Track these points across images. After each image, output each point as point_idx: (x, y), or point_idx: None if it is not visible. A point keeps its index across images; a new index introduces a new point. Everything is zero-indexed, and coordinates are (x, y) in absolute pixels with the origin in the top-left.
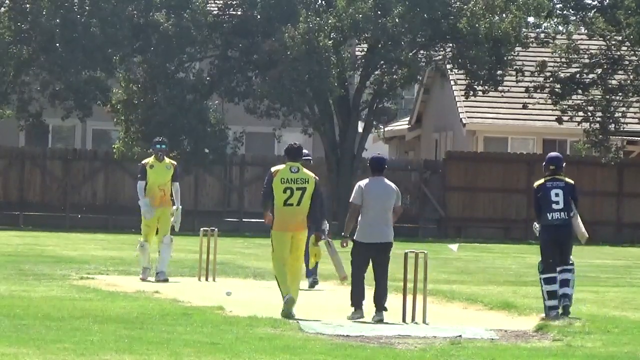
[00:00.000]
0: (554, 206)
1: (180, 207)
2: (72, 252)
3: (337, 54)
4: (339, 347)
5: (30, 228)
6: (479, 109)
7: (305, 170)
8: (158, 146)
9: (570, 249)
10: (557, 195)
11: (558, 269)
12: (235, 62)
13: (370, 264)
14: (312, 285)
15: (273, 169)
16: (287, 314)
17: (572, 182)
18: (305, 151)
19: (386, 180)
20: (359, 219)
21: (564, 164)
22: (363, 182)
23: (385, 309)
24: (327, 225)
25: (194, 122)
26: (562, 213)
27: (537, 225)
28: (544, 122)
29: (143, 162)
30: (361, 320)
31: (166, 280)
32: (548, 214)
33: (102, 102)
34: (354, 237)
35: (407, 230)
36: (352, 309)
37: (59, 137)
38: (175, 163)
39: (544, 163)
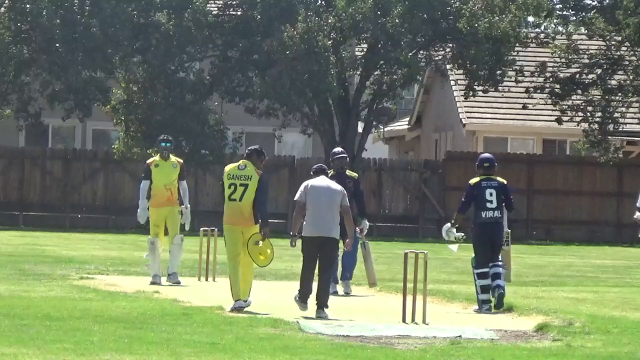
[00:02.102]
0: (488, 205)
1: (189, 206)
2: (72, 252)
3: (336, 54)
4: (339, 347)
5: (30, 228)
6: (478, 109)
7: (251, 167)
8: (163, 144)
9: (500, 246)
10: (491, 194)
11: (489, 264)
12: (235, 62)
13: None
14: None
15: (227, 168)
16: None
17: (504, 181)
18: (339, 149)
19: (330, 181)
20: (306, 216)
21: (496, 164)
22: (308, 181)
23: (327, 306)
24: (367, 224)
25: (193, 122)
26: (495, 212)
27: (449, 226)
28: (543, 122)
29: (148, 161)
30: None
31: (178, 283)
32: (482, 212)
33: (102, 103)
34: (302, 234)
35: (407, 230)
36: (300, 302)
37: (58, 137)
38: (182, 161)
39: (476, 163)
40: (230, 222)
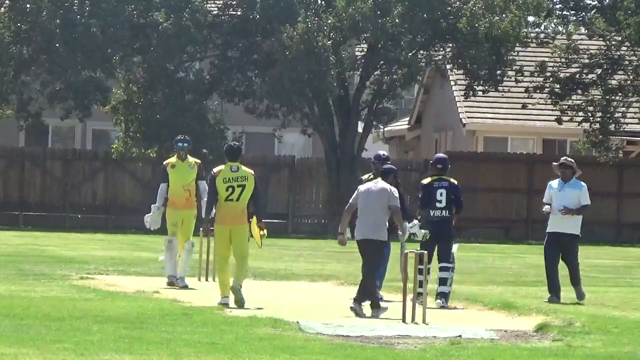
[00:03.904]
0: (437, 204)
1: None
2: (72, 252)
3: (336, 54)
4: (339, 347)
5: (30, 228)
6: (478, 109)
7: (244, 168)
8: (180, 144)
9: (449, 245)
10: (441, 194)
11: (438, 265)
12: (235, 62)
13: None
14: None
15: (215, 170)
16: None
17: (455, 182)
18: (384, 153)
19: (382, 182)
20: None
21: (449, 165)
22: (361, 185)
23: (374, 304)
24: (409, 226)
25: (194, 122)
26: (443, 211)
27: (416, 222)
28: (543, 122)
29: (164, 162)
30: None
31: (186, 287)
32: (430, 211)
33: (102, 103)
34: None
35: None
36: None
37: (58, 137)
38: (200, 161)
39: (431, 162)
40: (222, 222)
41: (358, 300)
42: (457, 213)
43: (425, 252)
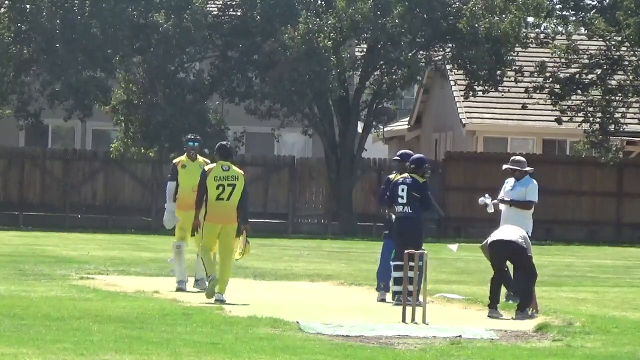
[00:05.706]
0: (399, 200)
1: None
2: (72, 252)
3: (336, 55)
4: (339, 347)
5: (30, 228)
6: (478, 109)
7: (234, 167)
8: (190, 144)
9: (412, 243)
10: (402, 190)
11: (394, 263)
12: (235, 62)
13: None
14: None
15: (206, 168)
16: (211, 293)
17: (420, 180)
18: (407, 152)
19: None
20: None
21: (426, 164)
22: None
23: (520, 309)
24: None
25: (194, 122)
26: (405, 207)
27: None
28: (543, 123)
29: (174, 161)
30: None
31: (205, 289)
32: (395, 207)
33: (102, 103)
34: None
35: None
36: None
37: (58, 137)
38: (209, 161)
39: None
40: (213, 220)
41: (520, 308)
42: (423, 211)
43: (425, 251)
